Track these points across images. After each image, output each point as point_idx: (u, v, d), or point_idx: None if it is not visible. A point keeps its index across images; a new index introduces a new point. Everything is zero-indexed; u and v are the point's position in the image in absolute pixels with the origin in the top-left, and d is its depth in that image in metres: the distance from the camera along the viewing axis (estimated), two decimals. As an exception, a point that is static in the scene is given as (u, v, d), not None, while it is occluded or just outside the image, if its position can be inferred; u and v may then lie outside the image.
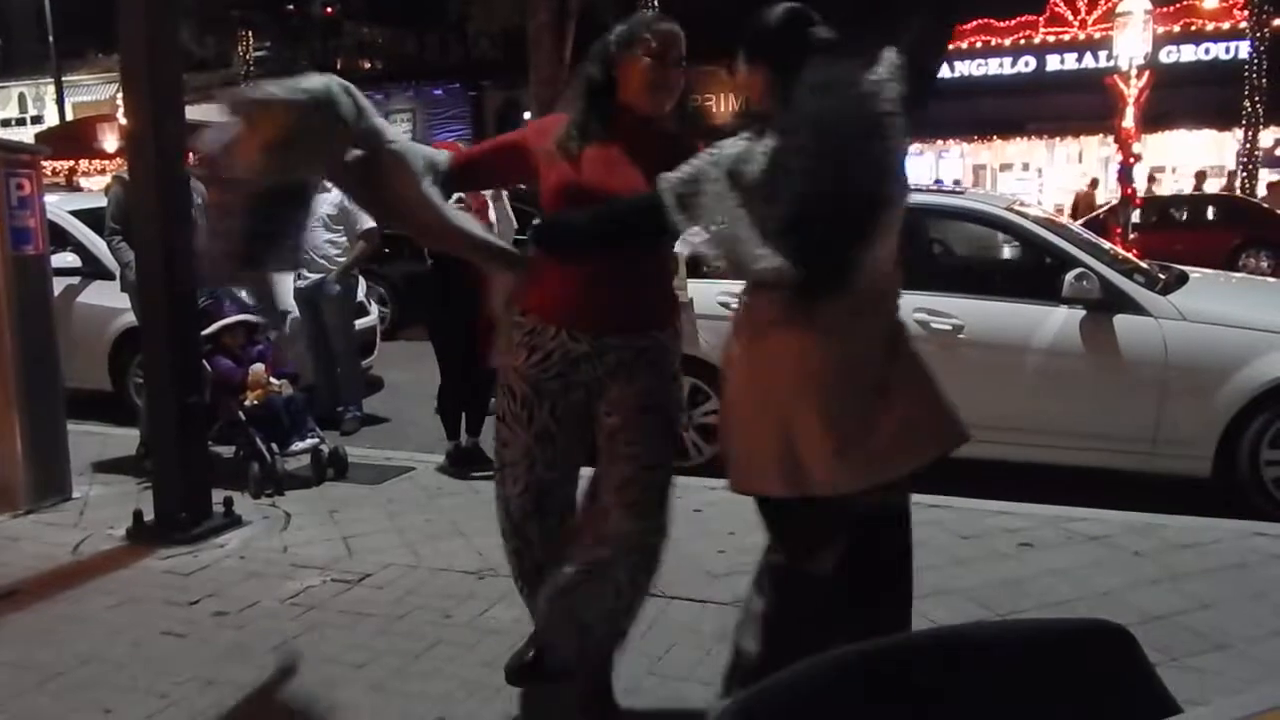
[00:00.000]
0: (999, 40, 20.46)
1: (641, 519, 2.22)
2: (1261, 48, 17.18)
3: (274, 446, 4.38)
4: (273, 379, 4.58)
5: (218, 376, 4.44)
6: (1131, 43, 12.89)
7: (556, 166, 2.16)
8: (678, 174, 1.97)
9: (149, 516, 3.75)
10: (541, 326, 2.19)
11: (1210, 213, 14.91)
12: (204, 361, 4.22)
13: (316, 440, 4.51)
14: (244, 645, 2.84)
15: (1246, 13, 17.93)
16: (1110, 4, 16.99)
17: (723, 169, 1.92)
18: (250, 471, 4.29)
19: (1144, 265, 4.84)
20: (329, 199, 5.60)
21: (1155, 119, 15.29)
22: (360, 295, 6.18)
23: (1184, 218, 14.84)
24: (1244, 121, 17.33)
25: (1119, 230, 12.25)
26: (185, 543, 3.62)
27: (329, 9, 28.80)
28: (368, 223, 5.76)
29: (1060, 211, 14.69)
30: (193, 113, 3.76)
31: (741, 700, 0.80)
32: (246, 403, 4.46)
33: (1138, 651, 0.78)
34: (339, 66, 29.04)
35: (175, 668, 2.70)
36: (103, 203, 5.63)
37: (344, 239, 5.64)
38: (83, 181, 19.90)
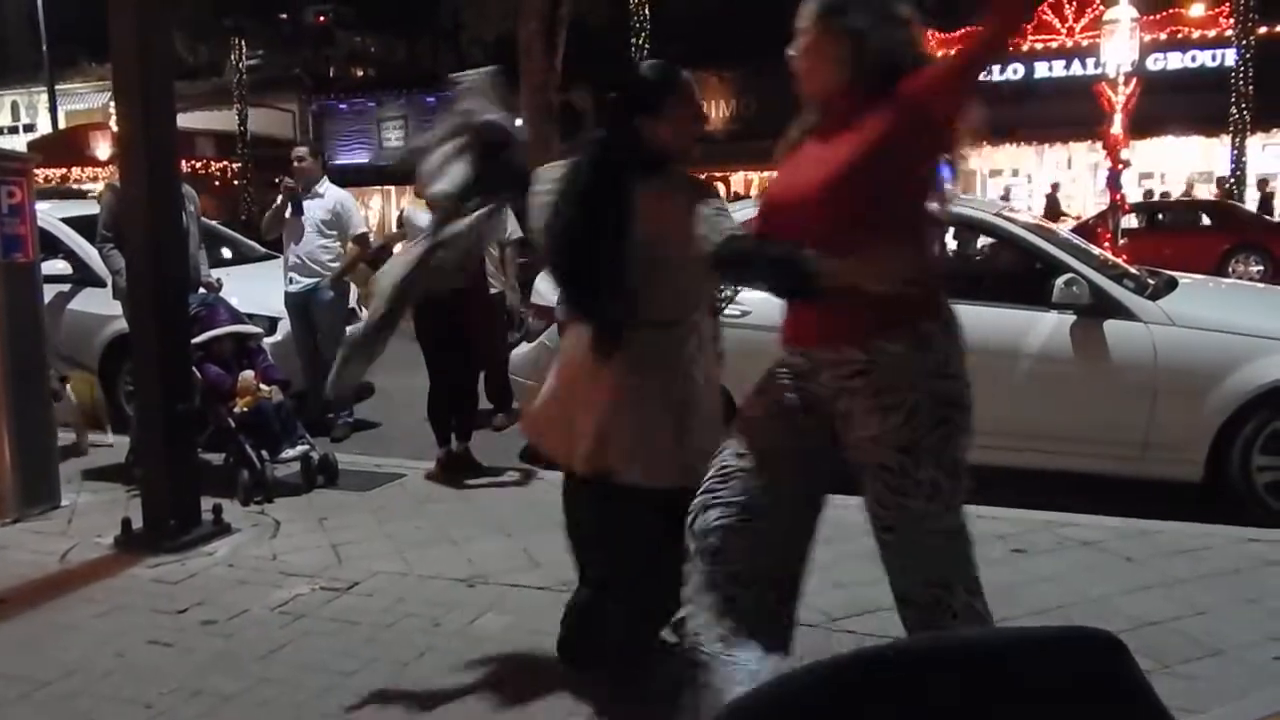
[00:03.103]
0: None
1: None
2: (1247, 55, 17.31)
3: (264, 453, 4.35)
4: (262, 385, 4.56)
5: (208, 383, 4.42)
6: (1119, 50, 12.97)
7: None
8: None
9: (138, 524, 3.73)
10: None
11: (1199, 218, 15.01)
12: (194, 368, 4.20)
13: (306, 447, 4.49)
14: (232, 654, 2.81)
15: (1232, 20, 18.07)
16: (1097, 12, 17.11)
17: None
18: (239, 479, 4.27)
19: (1133, 270, 4.85)
20: (322, 204, 5.59)
21: (1143, 125, 15.39)
22: (352, 301, 6.16)
23: (1173, 223, 14.93)
24: (1231, 128, 17.45)
25: (1108, 235, 12.31)
26: (174, 551, 3.60)
27: (321, 17, 28.83)
28: (360, 228, 5.77)
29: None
30: (184, 120, 3.76)
31: (732, 707, 0.79)
32: (236, 409, 4.44)
33: (1129, 659, 0.77)
34: (331, 74, 29.13)
35: (162, 677, 2.68)
36: (94, 210, 5.61)
37: (337, 244, 5.64)
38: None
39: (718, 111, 23.52)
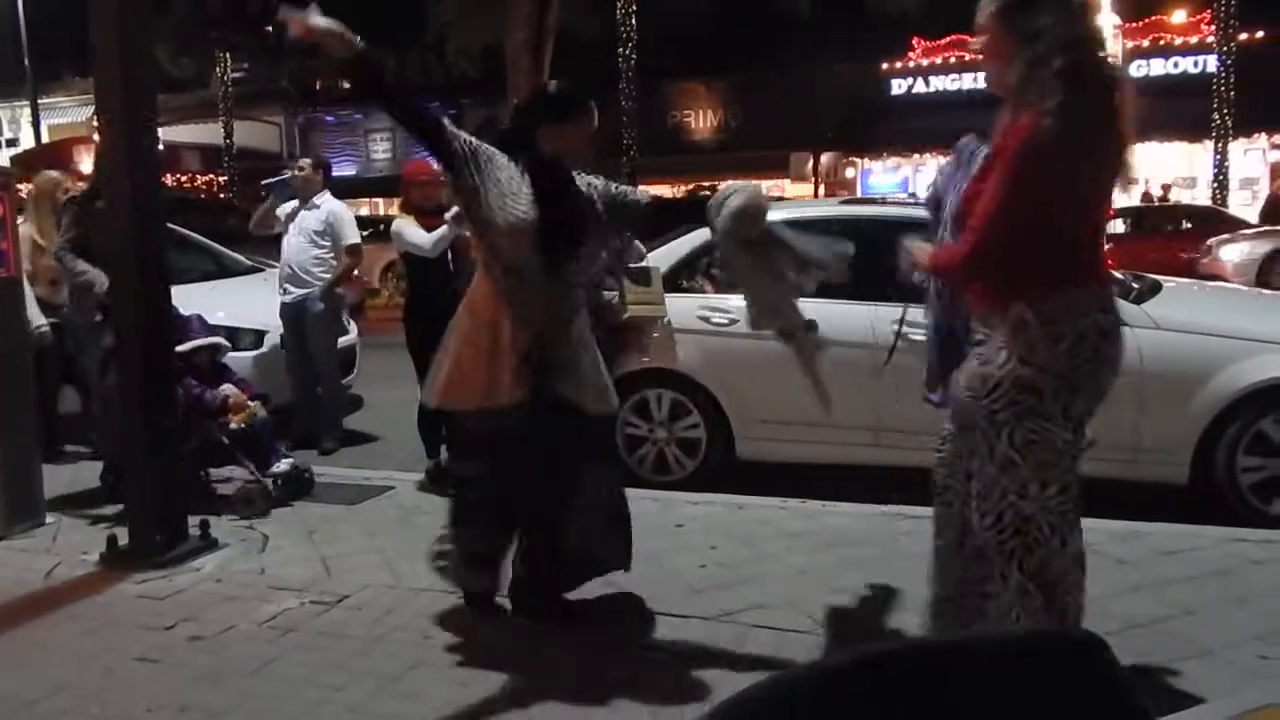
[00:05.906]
0: (973, 55, 20.73)
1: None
2: (1229, 61, 17.51)
3: (252, 468, 4.34)
4: (249, 401, 4.54)
5: (190, 398, 4.38)
6: (1102, 57, 13.11)
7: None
8: None
9: (123, 541, 3.69)
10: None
11: (1183, 222, 15.14)
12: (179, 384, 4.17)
13: (291, 460, 4.48)
14: (220, 670, 2.79)
15: (1213, 27, 18.28)
16: (1081, 19, 17.22)
17: None
18: (236, 494, 4.27)
19: (1118, 274, 4.88)
20: (316, 215, 5.52)
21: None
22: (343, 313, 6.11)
23: (1157, 227, 15.06)
24: (1214, 133, 17.63)
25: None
26: (160, 567, 3.56)
27: (307, 29, 28.60)
28: (353, 238, 5.65)
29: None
30: (170, 134, 3.75)
31: (723, 708, 0.79)
32: (232, 425, 4.41)
33: (1111, 658, 0.77)
34: (317, 86, 29.06)
35: (149, 694, 2.65)
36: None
37: (330, 255, 5.53)
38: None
39: (704, 122, 23.63)
